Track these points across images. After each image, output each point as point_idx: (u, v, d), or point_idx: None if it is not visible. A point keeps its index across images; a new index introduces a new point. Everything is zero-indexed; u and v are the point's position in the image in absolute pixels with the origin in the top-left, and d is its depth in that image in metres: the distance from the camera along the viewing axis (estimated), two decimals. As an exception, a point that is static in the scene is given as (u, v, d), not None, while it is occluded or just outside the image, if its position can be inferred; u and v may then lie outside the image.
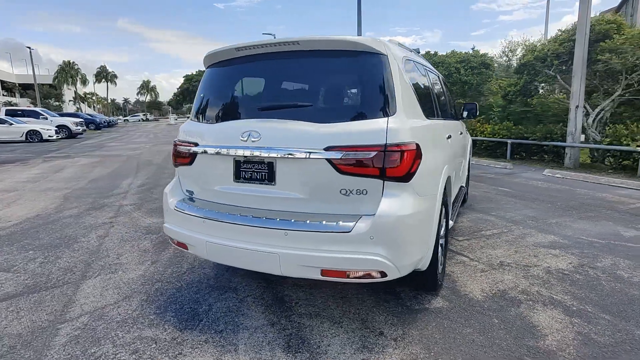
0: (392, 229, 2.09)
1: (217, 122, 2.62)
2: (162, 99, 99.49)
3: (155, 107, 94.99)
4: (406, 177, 2.16)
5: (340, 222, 2.11)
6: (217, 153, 2.46)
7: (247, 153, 2.33)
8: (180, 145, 2.74)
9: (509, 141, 11.30)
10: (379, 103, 2.24)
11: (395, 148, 2.11)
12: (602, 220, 4.86)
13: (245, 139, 2.33)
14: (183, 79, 73.75)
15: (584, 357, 2.18)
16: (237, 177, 2.44)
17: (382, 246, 2.08)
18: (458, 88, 13.53)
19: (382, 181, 2.14)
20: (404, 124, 2.22)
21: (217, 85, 2.82)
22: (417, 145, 2.22)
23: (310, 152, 2.17)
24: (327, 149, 2.15)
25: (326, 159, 2.16)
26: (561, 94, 11.09)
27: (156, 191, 6.92)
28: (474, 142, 10.31)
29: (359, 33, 18.90)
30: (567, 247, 3.93)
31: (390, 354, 2.22)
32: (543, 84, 11.04)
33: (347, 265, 2.11)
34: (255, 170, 2.37)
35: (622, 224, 4.68)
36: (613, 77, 9.46)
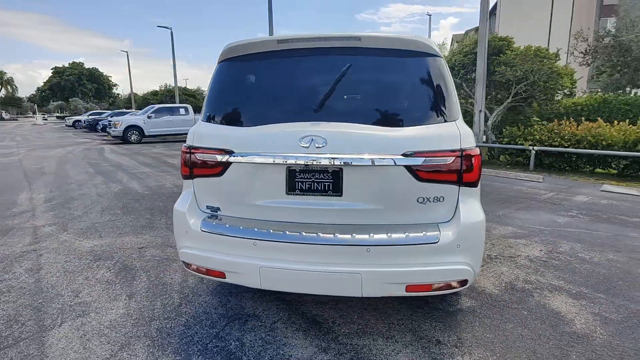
0: (475, 235, 2.06)
1: (256, 124, 2.23)
2: (21, 94, 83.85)
3: (12, 104, 79.31)
4: (477, 182, 2.14)
5: (427, 233, 1.99)
6: (267, 162, 2.10)
7: (310, 161, 2.03)
8: (202, 152, 2.27)
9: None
10: (443, 107, 2.19)
11: (468, 153, 2.08)
12: (534, 210, 5.64)
13: (306, 145, 2.04)
14: (51, 71, 63.31)
15: (613, 334, 2.46)
16: (292, 188, 2.13)
17: (466, 253, 2.03)
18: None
19: (458, 187, 2.09)
20: (466, 128, 2.21)
21: (248, 82, 2.43)
22: (479, 149, 2.22)
23: (386, 159, 2.00)
24: (406, 154, 2.01)
25: (404, 166, 2.01)
26: (461, 99, 12.62)
27: (74, 206, 5.73)
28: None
29: (271, 33, 18.65)
30: (527, 236, 4.44)
31: (465, 362, 2.19)
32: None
33: (434, 278, 2.00)
34: (316, 181, 2.09)
35: (551, 213, 5.50)
36: (504, 87, 11.14)
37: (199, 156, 2.29)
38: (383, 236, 1.99)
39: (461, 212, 2.07)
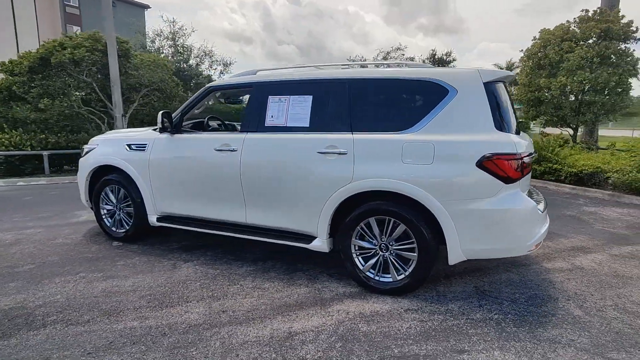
0: None
1: (509, 133, 3.17)
2: None
3: None
4: None
5: None
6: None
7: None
8: (526, 157, 3.12)
9: (46, 153, 9.65)
10: None
11: None
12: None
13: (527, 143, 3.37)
14: None
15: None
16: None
17: None
18: None
19: None
20: None
21: (497, 101, 3.26)
22: None
23: None
24: None
25: None
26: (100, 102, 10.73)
27: None
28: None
29: None
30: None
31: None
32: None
33: None
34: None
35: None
36: (135, 89, 11.01)
37: (526, 160, 3.09)
38: None
39: None
